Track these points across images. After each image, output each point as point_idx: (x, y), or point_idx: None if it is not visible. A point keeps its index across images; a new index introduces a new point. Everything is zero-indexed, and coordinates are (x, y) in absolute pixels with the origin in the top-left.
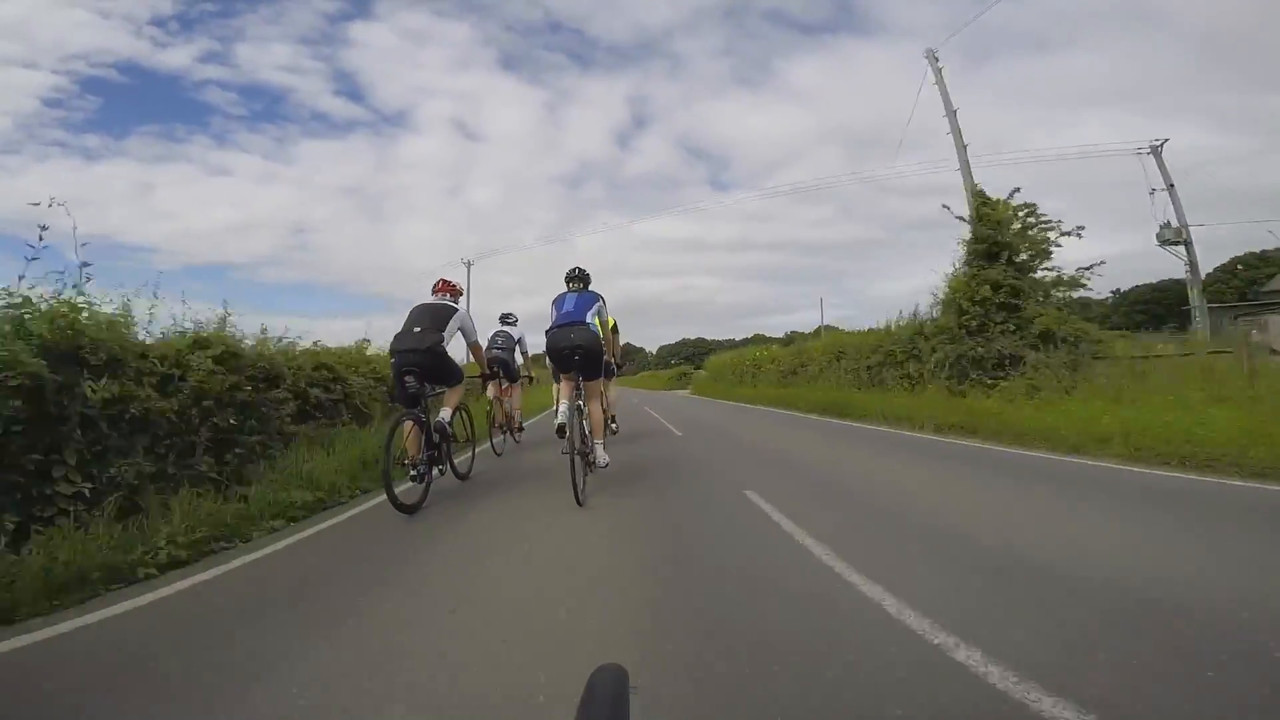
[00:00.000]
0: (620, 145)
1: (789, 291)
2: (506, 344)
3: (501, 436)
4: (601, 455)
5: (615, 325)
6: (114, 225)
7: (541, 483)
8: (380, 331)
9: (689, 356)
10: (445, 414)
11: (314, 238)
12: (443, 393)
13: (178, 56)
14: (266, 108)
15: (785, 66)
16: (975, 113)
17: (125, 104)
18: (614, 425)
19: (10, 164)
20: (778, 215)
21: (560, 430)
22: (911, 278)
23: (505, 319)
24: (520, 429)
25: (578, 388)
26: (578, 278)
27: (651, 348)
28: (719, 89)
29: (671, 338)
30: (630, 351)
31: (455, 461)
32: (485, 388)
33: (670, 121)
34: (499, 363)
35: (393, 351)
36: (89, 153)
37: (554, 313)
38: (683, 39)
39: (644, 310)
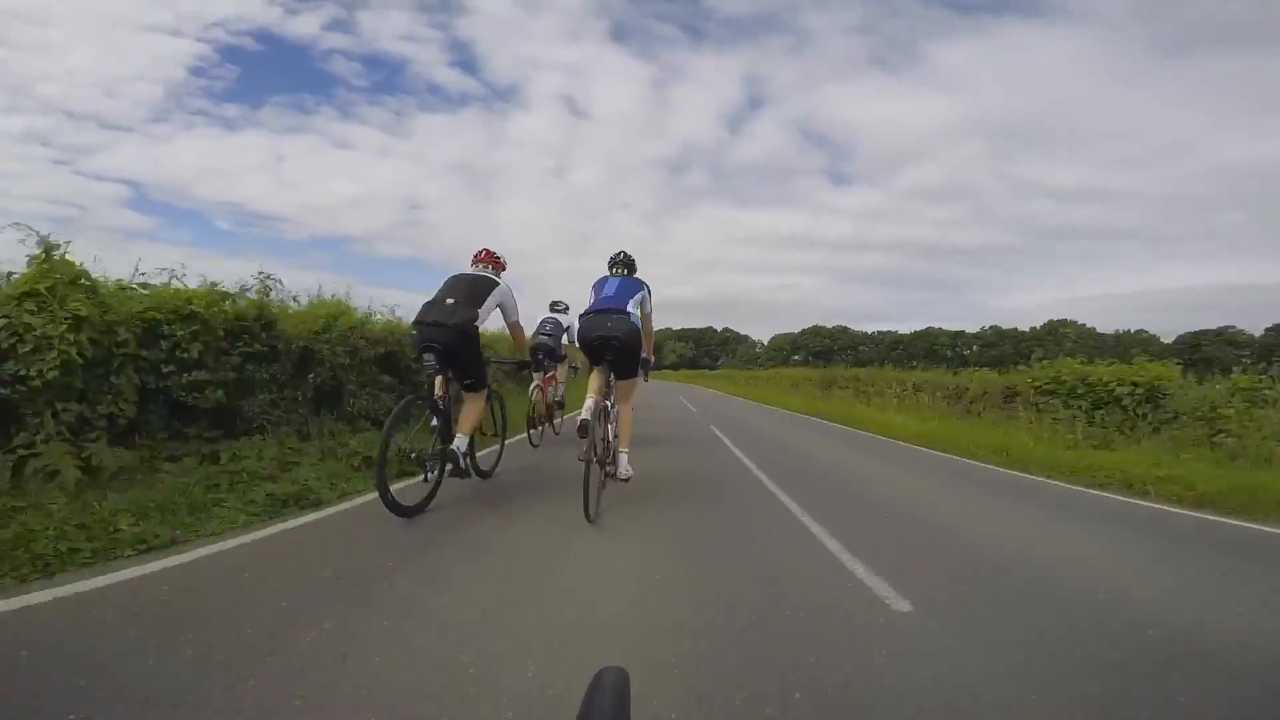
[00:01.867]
0: (730, 129)
1: (897, 298)
2: (555, 330)
3: (540, 428)
4: (624, 465)
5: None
6: (249, 193)
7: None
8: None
9: (819, 353)
10: (460, 442)
11: (425, 214)
12: (467, 385)
13: (307, 24)
14: (386, 79)
15: (933, 49)
16: (1159, 109)
17: (260, 73)
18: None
19: (160, 131)
20: (900, 213)
21: (582, 428)
22: (1042, 291)
23: (555, 306)
24: (559, 415)
25: (609, 384)
26: (622, 262)
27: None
28: (849, 70)
29: (760, 336)
30: (730, 340)
31: (478, 459)
32: (521, 374)
33: (788, 104)
34: (544, 349)
35: (417, 322)
36: (229, 122)
37: (592, 296)
38: (811, 13)
39: (738, 306)
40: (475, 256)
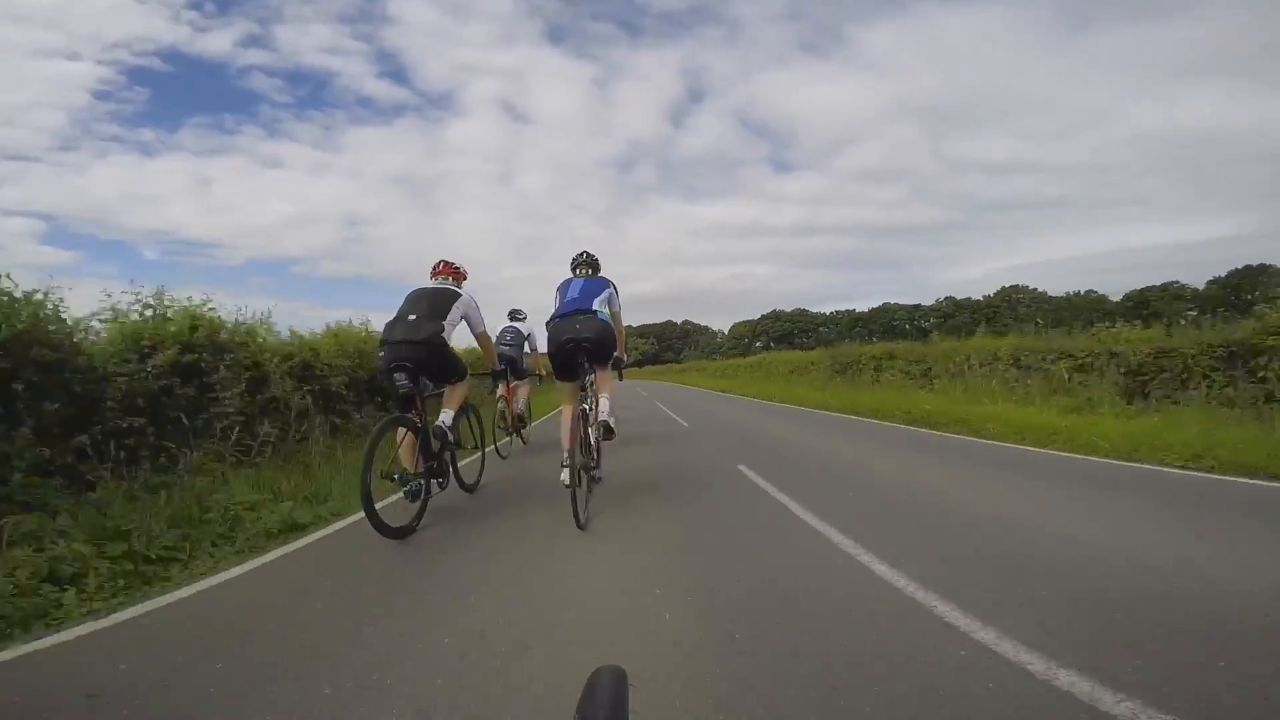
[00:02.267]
0: (673, 123)
1: (850, 279)
2: (515, 340)
3: (508, 438)
4: (605, 407)
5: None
6: (177, 220)
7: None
8: None
9: (780, 337)
10: (446, 417)
11: (368, 230)
12: (442, 392)
13: (218, 41)
14: (312, 93)
15: (859, 32)
16: (1073, 82)
17: (173, 95)
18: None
19: (73, 160)
20: (844, 196)
21: (568, 477)
22: (985, 262)
23: (515, 315)
24: (526, 430)
25: (584, 388)
26: (585, 262)
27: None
28: (782, 57)
29: (719, 326)
30: (690, 332)
31: (460, 470)
32: (495, 385)
33: (728, 95)
34: (506, 360)
35: (383, 343)
36: (145, 147)
37: (558, 300)
38: (741, 2)
39: (697, 299)
40: (434, 269)
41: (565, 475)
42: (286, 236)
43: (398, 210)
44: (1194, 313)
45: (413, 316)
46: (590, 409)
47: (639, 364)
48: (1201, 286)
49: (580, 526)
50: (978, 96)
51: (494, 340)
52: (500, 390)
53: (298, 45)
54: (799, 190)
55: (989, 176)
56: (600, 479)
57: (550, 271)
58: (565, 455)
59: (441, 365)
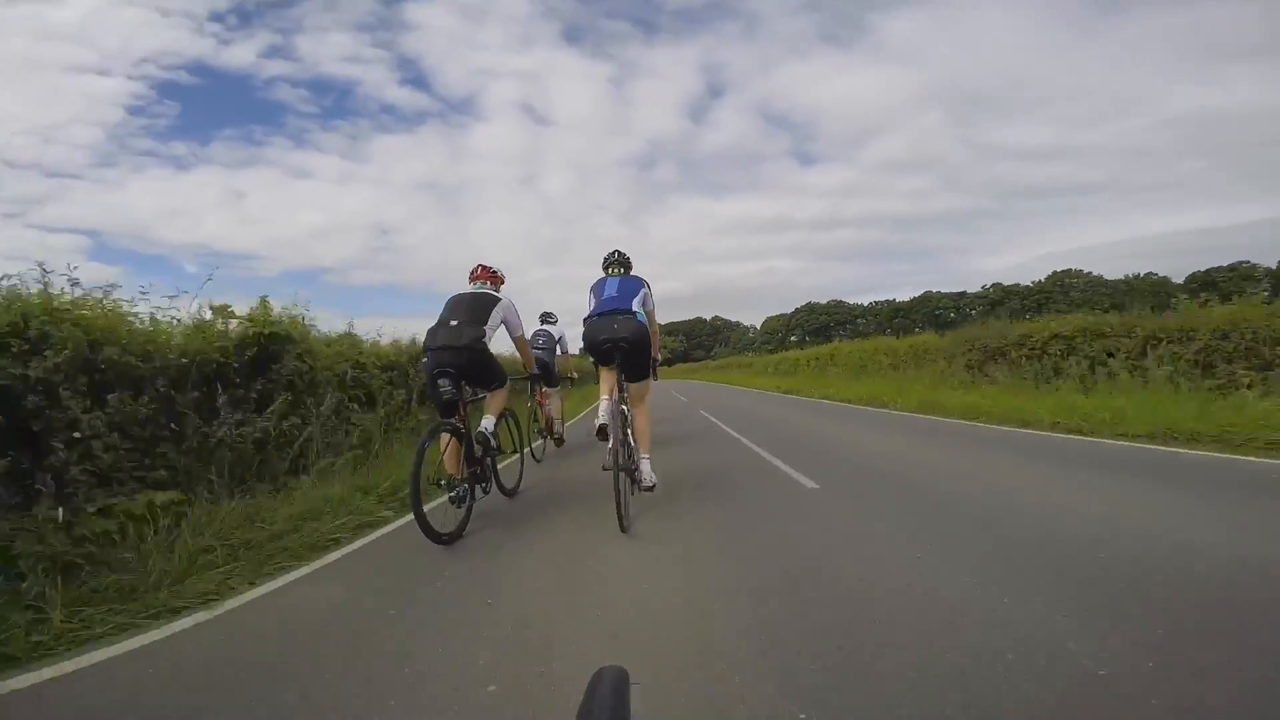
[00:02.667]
0: (693, 119)
1: (877, 271)
2: (547, 344)
3: (541, 441)
4: (648, 473)
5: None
6: (211, 233)
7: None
8: None
9: (815, 331)
10: (488, 422)
11: (397, 238)
12: (483, 398)
13: (242, 53)
14: (336, 102)
15: (880, 20)
16: (1105, 66)
17: (203, 107)
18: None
19: (111, 177)
20: (870, 187)
21: (601, 432)
22: (1019, 251)
23: (546, 318)
24: (561, 438)
25: (621, 385)
26: (618, 261)
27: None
28: (802, 49)
29: (750, 321)
30: (721, 328)
31: (500, 475)
32: (533, 389)
33: (748, 89)
34: (539, 364)
35: (425, 349)
36: (178, 161)
37: (592, 300)
38: None
39: (722, 296)
40: (472, 274)
41: (602, 410)
42: (317, 246)
43: (425, 217)
44: (1267, 291)
45: (454, 322)
46: (628, 412)
47: (669, 362)
48: (1275, 265)
49: (624, 529)
50: (1006, 83)
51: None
52: (534, 394)
53: (319, 55)
54: (823, 183)
55: (1020, 163)
56: (641, 483)
57: (574, 274)
58: (604, 407)
59: (483, 370)
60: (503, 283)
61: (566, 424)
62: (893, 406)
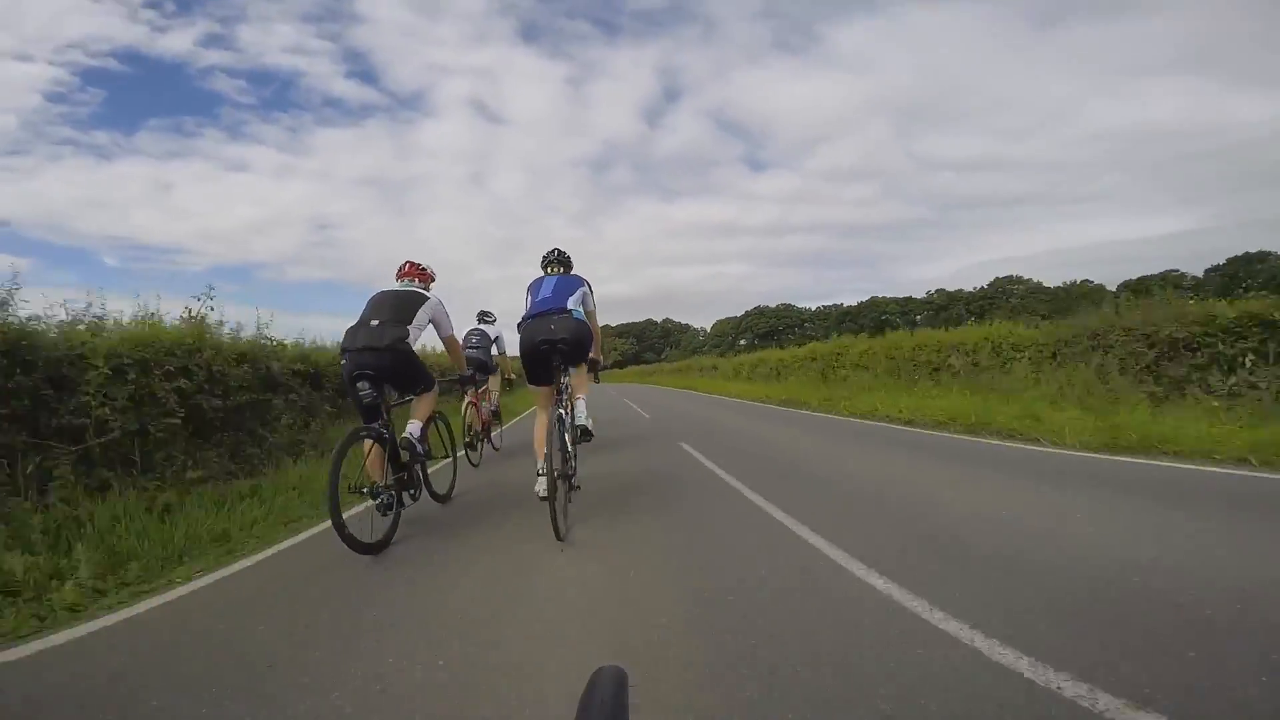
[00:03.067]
0: (649, 123)
1: (823, 277)
2: (482, 342)
3: (479, 447)
4: (581, 410)
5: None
6: (137, 225)
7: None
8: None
9: (765, 334)
10: (414, 427)
11: (338, 234)
12: (409, 401)
13: (178, 41)
14: (277, 94)
15: (831, 30)
16: (1037, 78)
17: (130, 97)
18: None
19: (24, 165)
20: (818, 195)
21: (546, 496)
22: (955, 259)
23: (483, 317)
24: (496, 428)
25: (559, 393)
26: (556, 260)
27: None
28: (756, 55)
29: (700, 324)
30: (671, 330)
31: (432, 481)
32: (465, 391)
33: (704, 94)
34: (474, 363)
35: (343, 350)
36: (100, 151)
37: (529, 300)
38: (717, 1)
39: (672, 300)
40: (399, 271)
41: (541, 486)
42: (252, 241)
43: (368, 213)
44: (1193, 298)
45: (375, 322)
46: (566, 413)
47: (619, 365)
48: (1201, 274)
49: (560, 538)
50: (948, 94)
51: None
52: (468, 395)
53: (262, 45)
54: (773, 189)
55: (958, 174)
56: (578, 486)
57: (525, 274)
58: (540, 465)
59: (407, 373)
60: (433, 280)
61: (505, 425)
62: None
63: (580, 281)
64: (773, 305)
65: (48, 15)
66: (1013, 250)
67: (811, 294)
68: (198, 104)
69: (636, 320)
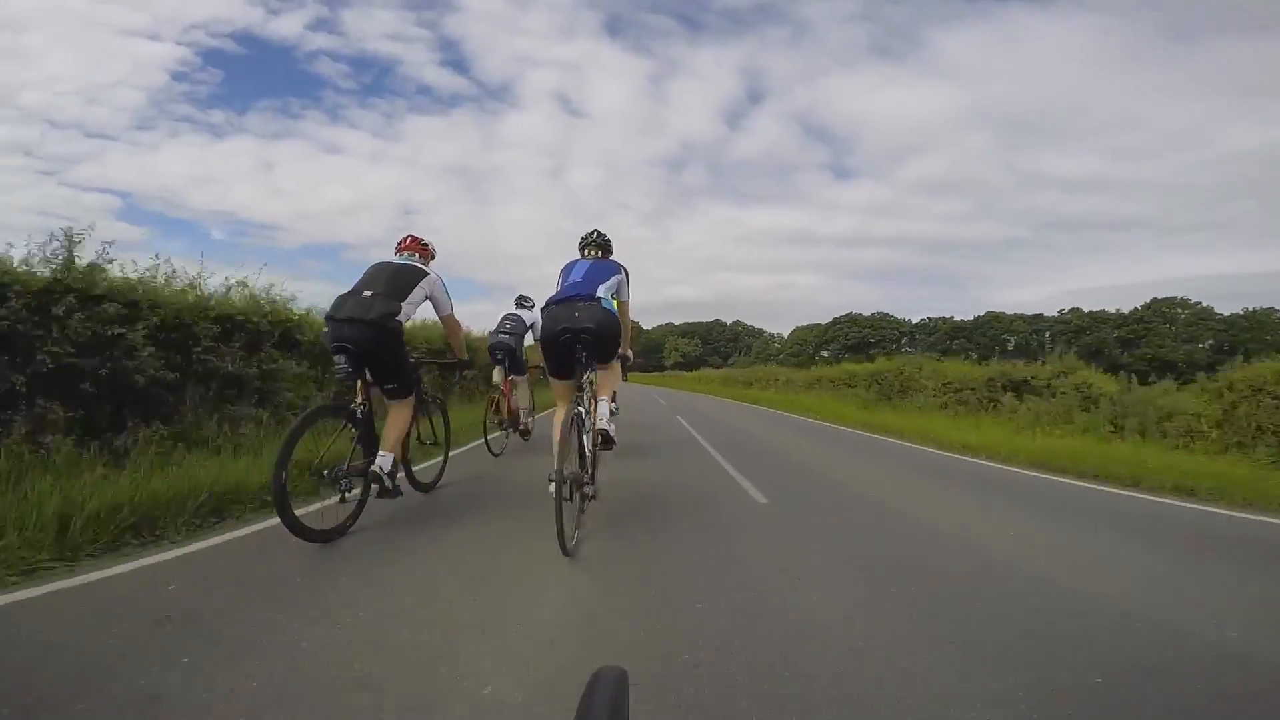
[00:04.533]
0: (729, 124)
1: (901, 294)
2: (516, 328)
3: (503, 434)
4: (604, 412)
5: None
6: (240, 202)
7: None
8: (480, 316)
9: (854, 347)
10: (384, 460)
11: (420, 219)
12: (390, 390)
13: (289, 24)
14: (375, 80)
15: (937, 36)
16: (1166, 97)
17: (244, 77)
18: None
19: (147, 140)
20: (904, 208)
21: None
22: (1044, 285)
23: (521, 302)
24: (527, 430)
25: (580, 388)
26: (594, 243)
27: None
28: (850, 60)
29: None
30: (741, 334)
31: (415, 471)
32: (457, 379)
33: (789, 97)
34: (504, 349)
35: (327, 318)
36: (215, 129)
37: (559, 284)
38: (810, 2)
39: (738, 307)
40: (399, 244)
41: (553, 489)
42: (340, 222)
43: (450, 201)
44: None
45: (368, 293)
46: (588, 412)
47: (683, 365)
48: None
49: (566, 552)
50: (1063, 108)
51: (494, 328)
52: (496, 379)
53: (364, 30)
54: (857, 199)
55: (1061, 193)
56: (594, 496)
57: None
58: (553, 470)
59: (387, 356)
60: (433, 257)
61: (537, 416)
62: None
63: (616, 268)
64: (866, 314)
65: None
66: (1110, 279)
67: (887, 310)
68: (303, 86)
69: (703, 320)
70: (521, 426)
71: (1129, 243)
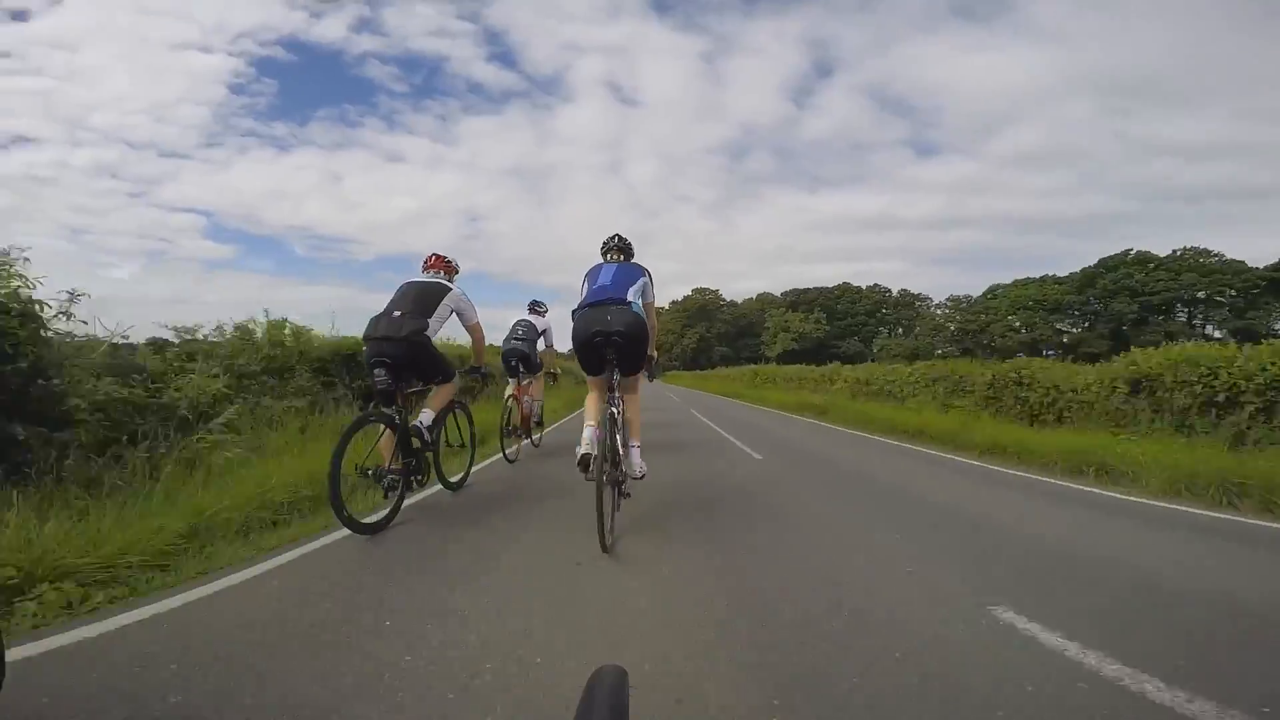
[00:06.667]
0: (795, 103)
1: (987, 278)
2: (529, 334)
3: (517, 442)
4: (636, 460)
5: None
6: (313, 216)
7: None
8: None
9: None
10: (425, 416)
11: (484, 225)
12: (425, 390)
13: (333, 27)
14: (425, 81)
15: None
16: None
17: (299, 85)
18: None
19: (218, 157)
20: (995, 184)
21: (583, 463)
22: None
23: (534, 307)
24: (538, 431)
25: (612, 389)
26: (617, 247)
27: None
28: (929, 24)
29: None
30: (886, 305)
31: (443, 469)
32: (484, 384)
33: (861, 68)
34: (518, 355)
35: (365, 339)
36: (279, 142)
37: (585, 289)
38: None
39: (806, 301)
40: (425, 262)
41: (583, 446)
42: (410, 232)
43: (511, 204)
44: None
45: (397, 313)
46: (618, 412)
47: (798, 357)
48: None
49: (605, 549)
50: (1178, 68)
51: (506, 334)
52: (509, 388)
53: (405, 28)
54: (941, 177)
55: (1179, 161)
56: (628, 494)
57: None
58: (585, 434)
59: (425, 363)
60: (456, 273)
61: (547, 429)
62: None
63: (641, 271)
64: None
65: (217, 5)
66: (1241, 252)
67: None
68: (358, 93)
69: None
70: (536, 420)
71: (1255, 213)
